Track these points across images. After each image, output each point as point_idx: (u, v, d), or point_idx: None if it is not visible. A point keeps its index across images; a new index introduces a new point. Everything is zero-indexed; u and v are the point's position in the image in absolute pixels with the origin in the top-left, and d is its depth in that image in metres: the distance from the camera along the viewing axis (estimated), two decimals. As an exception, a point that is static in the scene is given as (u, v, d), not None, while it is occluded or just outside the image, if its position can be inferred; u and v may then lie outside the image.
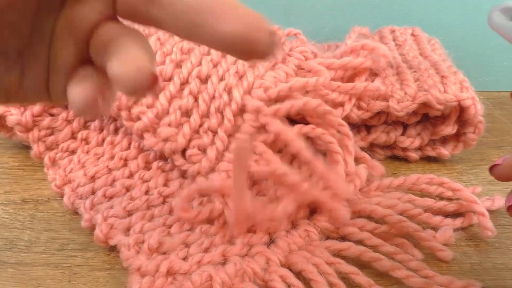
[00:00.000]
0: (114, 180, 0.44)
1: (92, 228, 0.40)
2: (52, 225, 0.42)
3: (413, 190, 0.42)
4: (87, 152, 0.48)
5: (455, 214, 0.41)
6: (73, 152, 0.48)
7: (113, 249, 0.38)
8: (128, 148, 0.48)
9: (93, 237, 0.40)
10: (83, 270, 0.37)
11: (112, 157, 0.47)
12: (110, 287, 0.35)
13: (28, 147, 0.49)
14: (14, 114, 0.47)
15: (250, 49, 0.20)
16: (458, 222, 0.40)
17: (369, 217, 0.38)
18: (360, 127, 0.50)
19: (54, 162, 0.48)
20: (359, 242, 0.36)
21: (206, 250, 0.36)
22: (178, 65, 0.45)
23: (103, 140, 0.49)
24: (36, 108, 0.48)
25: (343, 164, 0.40)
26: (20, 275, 0.37)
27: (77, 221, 0.42)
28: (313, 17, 0.69)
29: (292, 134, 0.40)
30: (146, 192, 0.43)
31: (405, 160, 0.50)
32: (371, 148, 0.50)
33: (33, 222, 0.42)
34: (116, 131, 0.49)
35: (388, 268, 0.33)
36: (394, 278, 0.34)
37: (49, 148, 0.48)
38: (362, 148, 0.49)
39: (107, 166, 0.46)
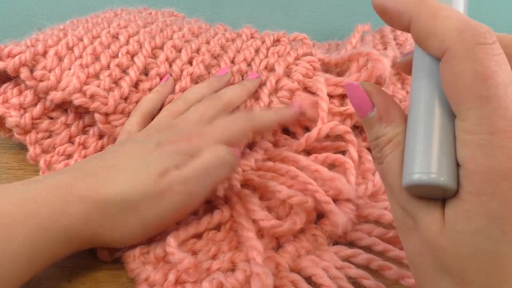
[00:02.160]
0: None
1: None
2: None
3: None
4: (84, 157, 0.47)
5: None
6: (69, 156, 0.47)
7: (117, 261, 0.37)
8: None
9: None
10: (83, 270, 0.36)
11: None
12: (110, 287, 0.35)
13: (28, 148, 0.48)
14: (13, 116, 0.46)
15: None
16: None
17: (377, 222, 0.38)
18: (361, 128, 0.49)
19: (49, 166, 0.46)
20: (367, 247, 0.36)
21: (214, 257, 0.35)
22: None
23: (102, 147, 0.48)
24: (36, 110, 0.47)
25: (354, 173, 0.40)
26: (20, 274, 0.36)
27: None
28: (313, 17, 0.68)
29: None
30: None
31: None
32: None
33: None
34: (115, 139, 0.48)
35: (397, 277, 0.33)
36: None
37: (45, 151, 0.47)
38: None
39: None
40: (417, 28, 0.23)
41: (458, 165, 0.21)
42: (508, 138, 0.19)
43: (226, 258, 0.34)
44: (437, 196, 0.22)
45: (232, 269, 0.34)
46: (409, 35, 0.58)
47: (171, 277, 0.33)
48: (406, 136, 0.23)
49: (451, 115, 0.21)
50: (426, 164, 0.21)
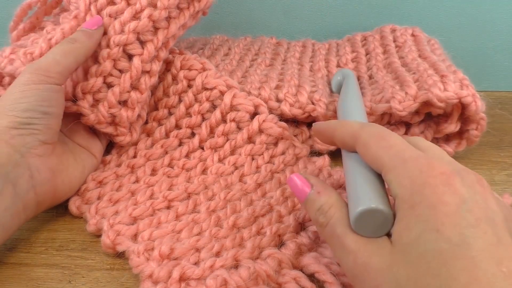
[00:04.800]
0: (120, 186, 0.44)
1: (97, 231, 0.40)
2: (52, 225, 0.42)
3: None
4: None
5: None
6: None
7: (120, 255, 0.37)
8: (134, 156, 0.48)
9: (93, 238, 0.40)
10: (83, 270, 0.37)
11: (119, 165, 0.47)
12: (110, 287, 0.35)
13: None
14: None
15: None
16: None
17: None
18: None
19: None
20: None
21: (218, 254, 0.36)
22: None
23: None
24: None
25: None
26: (20, 275, 0.36)
27: (77, 221, 0.42)
28: (313, 17, 0.69)
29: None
30: (151, 196, 0.43)
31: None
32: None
33: (33, 222, 0.41)
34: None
35: None
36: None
37: None
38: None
39: (114, 173, 0.46)
40: (337, 138, 0.34)
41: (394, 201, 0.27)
42: (413, 164, 0.27)
43: (230, 255, 0.35)
44: (378, 226, 0.28)
45: (236, 266, 0.34)
46: (408, 37, 0.59)
47: (175, 274, 0.33)
48: (347, 191, 0.31)
49: (375, 173, 0.30)
50: (369, 199, 0.28)
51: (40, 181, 0.38)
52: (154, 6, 0.45)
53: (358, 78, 0.55)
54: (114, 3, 0.44)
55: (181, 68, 0.50)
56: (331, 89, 0.53)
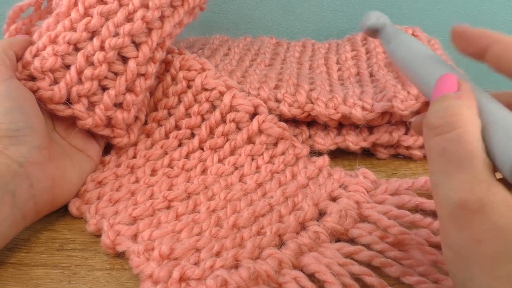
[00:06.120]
0: (120, 186, 0.44)
1: (97, 231, 0.40)
2: (52, 225, 0.42)
3: (422, 191, 0.42)
4: None
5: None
6: None
7: (120, 255, 0.37)
8: (134, 157, 0.48)
9: (93, 237, 0.40)
10: (83, 270, 0.37)
11: (118, 165, 0.47)
12: (110, 287, 0.35)
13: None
14: None
15: None
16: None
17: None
18: (362, 127, 0.50)
19: None
20: (367, 245, 0.36)
21: (218, 254, 0.36)
22: None
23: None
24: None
25: None
26: (19, 275, 0.36)
27: (77, 221, 0.42)
28: (313, 17, 0.69)
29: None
30: (151, 196, 0.43)
31: (405, 159, 0.50)
32: (374, 147, 0.50)
33: (33, 222, 0.41)
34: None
35: (399, 274, 0.33)
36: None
37: None
38: (365, 149, 0.50)
39: (114, 173, 0.46)
40: (498, 49, 0.26)
41: None
42: None
43: (230, 255, 0.35)
44: None
45: (236, 266, 0.34)
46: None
47: (175, 274, 0.33)
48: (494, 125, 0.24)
49: None
50: None
51: (40, 190, 0.38)
52: (146, 6, 0.44)
53: (358, 74, 0.55)
54: (105, 3, 0.44)
55: (180, 69, 0.50)
56: (333, 83, 0.52)
